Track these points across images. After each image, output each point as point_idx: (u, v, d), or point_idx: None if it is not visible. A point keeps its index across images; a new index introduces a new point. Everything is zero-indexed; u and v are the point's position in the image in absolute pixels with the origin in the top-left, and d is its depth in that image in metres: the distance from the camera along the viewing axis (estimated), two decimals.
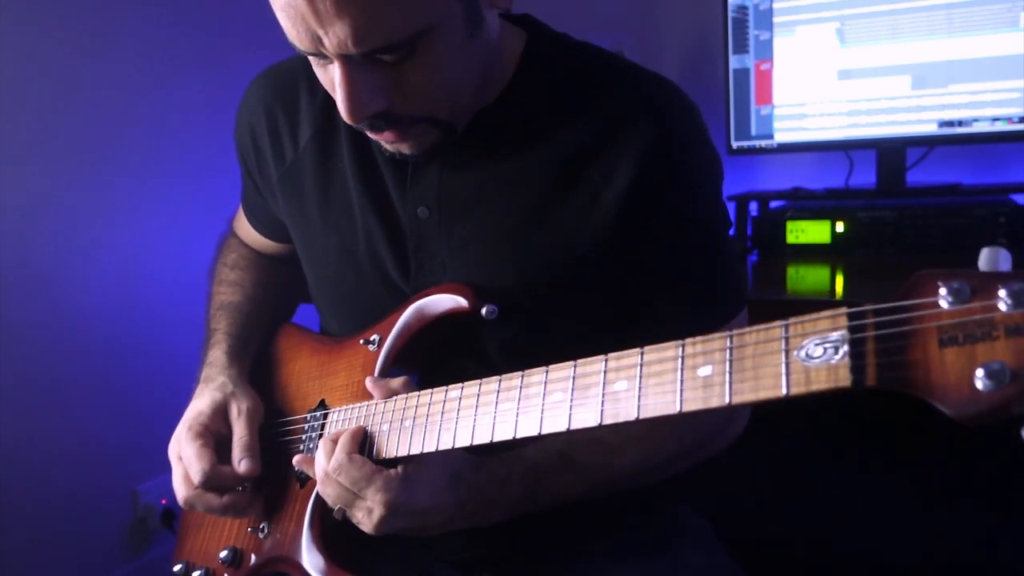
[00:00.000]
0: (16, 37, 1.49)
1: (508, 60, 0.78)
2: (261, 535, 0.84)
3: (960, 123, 1.45)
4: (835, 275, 1.39)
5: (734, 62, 1.59)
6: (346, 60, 0.65)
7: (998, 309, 0.40)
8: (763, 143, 1.60)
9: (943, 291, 0.42)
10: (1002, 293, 0.40)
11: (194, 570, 0.88)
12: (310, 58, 0.69)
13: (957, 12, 1.41)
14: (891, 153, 1.54)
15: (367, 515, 0.70)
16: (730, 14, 1.57)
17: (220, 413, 0.85)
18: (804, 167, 1.79)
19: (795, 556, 1.37)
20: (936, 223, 1.42)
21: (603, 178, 0.75)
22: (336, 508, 0.72)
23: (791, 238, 1.52)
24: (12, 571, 1.53)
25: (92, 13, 1.61)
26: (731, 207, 1.61)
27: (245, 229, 1.03)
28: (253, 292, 1.00)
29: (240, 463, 0.82)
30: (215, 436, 0.84)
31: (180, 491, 0.83)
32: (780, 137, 1.59)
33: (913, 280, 0.44)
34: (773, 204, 1.65)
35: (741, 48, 1.57)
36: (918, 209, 1.44)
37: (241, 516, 0.84)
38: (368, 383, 0.76)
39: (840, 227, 1.48)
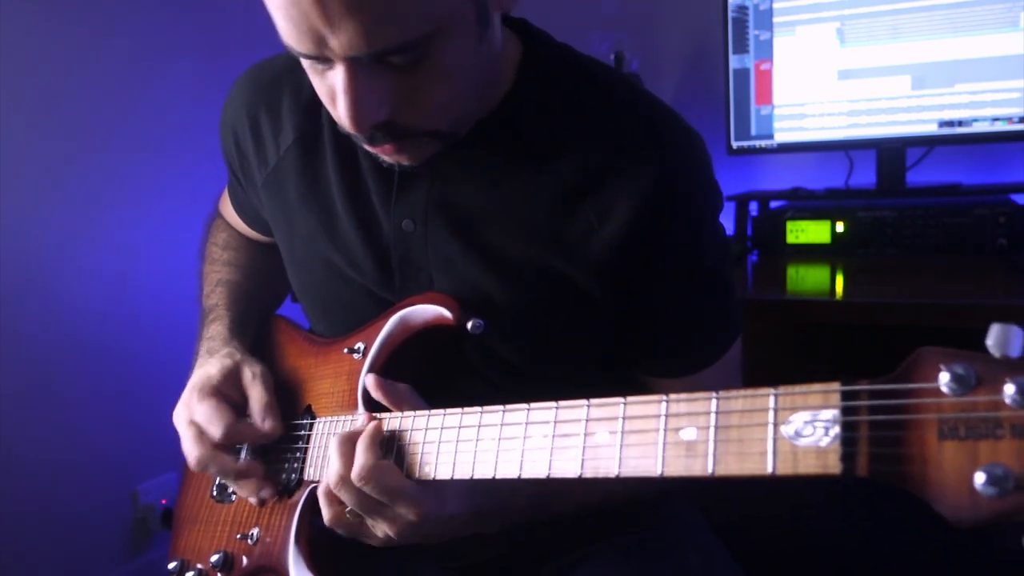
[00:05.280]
0: (12, 35, 1.49)
1: (506, 68, 0.75)
2: (250, 542, 0.82)
3: (960, 123, 1.45)
4: (835, 275, 1.38)
5: (734, 62, 1.59)
6: (352, 64, 0.60)
7: (1005, 405, 0.37)
8: (763, 143, 1.60)
9: (945, 376, 0.38)
10: (1009, 389, 0.36)
11: (188, 570, 0.87)
12: (306, 63, 0.64)
13: (957, 12, 1.41)
14: (891, 153, 1.54)
15: (391, 524, 0.65)
16: (730, 14, 1.57)
17: (231, 378, 0.82)
18: (804, 167, 1.79)
19: (796, 556, 1.37)
20: (936, 223, 1.42)
21: (598, 216, 0.72)
22: (345, 519, 0.68)
23: (791, 238, 1.52)
24: (12, 571, 1.53)
25: (89, 11, 1.61)
26: (731, 207, 1.61)
27: (233, 216, 1.01)
28: (248, 272, 0.99)
29: (264, 422, 0.78)
30: (226, 399, 0.81)
31: (193, 452, 0.79)
32: (780, 137, 1.58)
33: (913, 358, 0.40)
34: (773, 204, 1.65)
35: (741, 48, 1.57)
36: (918, 209, 1.43)
37: (253, 488, 0.79)
38: (370, 382, 0.72)
39: (840, 227, 1.48)
